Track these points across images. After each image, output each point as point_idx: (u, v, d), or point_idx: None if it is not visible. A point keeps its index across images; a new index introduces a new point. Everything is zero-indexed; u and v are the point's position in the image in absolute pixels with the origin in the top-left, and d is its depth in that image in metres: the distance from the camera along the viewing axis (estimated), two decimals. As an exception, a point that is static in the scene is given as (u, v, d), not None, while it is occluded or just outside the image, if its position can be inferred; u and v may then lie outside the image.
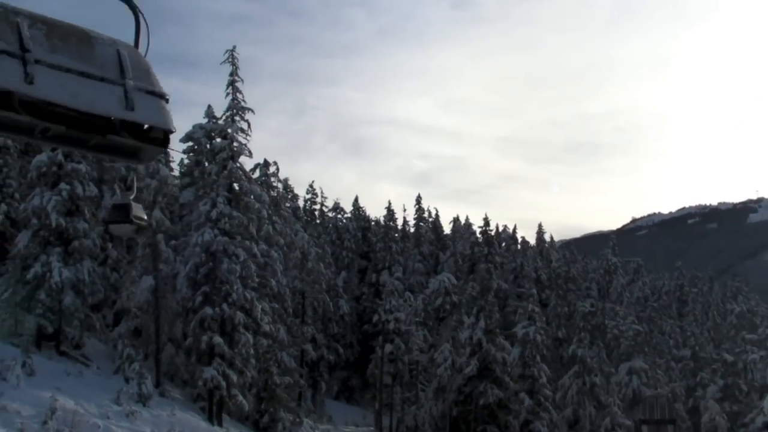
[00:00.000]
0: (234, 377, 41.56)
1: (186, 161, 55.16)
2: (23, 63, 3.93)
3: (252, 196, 45.03)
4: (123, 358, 40.22)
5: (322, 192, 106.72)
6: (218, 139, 55.36)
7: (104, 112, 4.20)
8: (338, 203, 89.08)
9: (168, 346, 45.76)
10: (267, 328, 46.39)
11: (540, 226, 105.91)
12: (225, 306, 42.88)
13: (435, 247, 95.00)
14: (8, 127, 4.05)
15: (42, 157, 40.70)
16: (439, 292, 69.94)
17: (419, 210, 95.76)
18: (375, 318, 64.42)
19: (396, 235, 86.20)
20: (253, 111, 44.97)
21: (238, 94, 45.07)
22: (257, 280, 45.36)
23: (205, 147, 54.29)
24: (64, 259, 40.20)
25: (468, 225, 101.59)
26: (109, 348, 44.95)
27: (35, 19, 4.14)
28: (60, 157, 40.75)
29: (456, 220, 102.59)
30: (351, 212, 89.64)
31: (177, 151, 55.08)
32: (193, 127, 53.51)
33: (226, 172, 44.44)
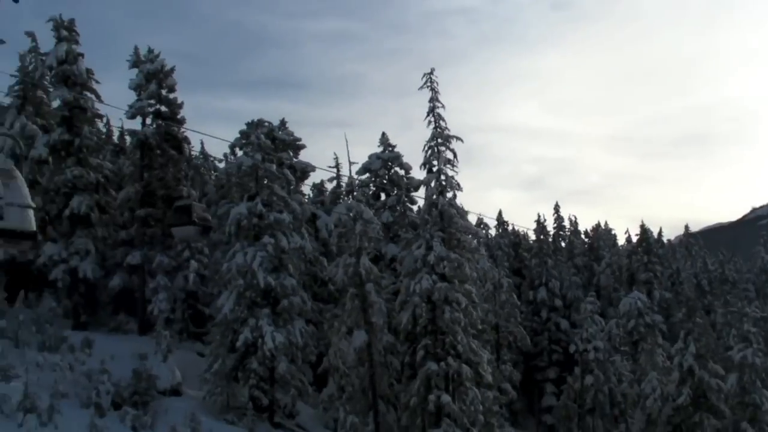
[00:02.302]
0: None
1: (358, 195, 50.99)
2: None
3: (469, 235, 39.78)
4: (346, 428, 35.69)
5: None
6: (397, 169, 50.96)
7: None
8: (482, 218, 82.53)
9: (379, 405, 41.10)
10: (490, 378, 41.13)
11: (687, 227, 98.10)
12: (450, 360, 37.83)
13: (588, 258, 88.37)
14: None
15: (240, 209, 36.68)
16: (631, 314, 63.67)
17: (558, 218, 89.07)
18: (572, 348, 58.42)
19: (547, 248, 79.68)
20: (461, 140, 39.72)
21: (441, 121, 39.92)
22: (480, 327, 40.16)
23: (384, 178, 49.94)
24: (275, 321, 35.99)
25: (608, 230, 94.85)
26: (318, 412, 40.69)
27: None
28: (260, 207, 36.64)
29: (598, 226, 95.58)
30: (495, 227, 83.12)
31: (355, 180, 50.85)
32: (369, 157, 49.43)
33: (436, 210, 39.35)
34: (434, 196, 40.08)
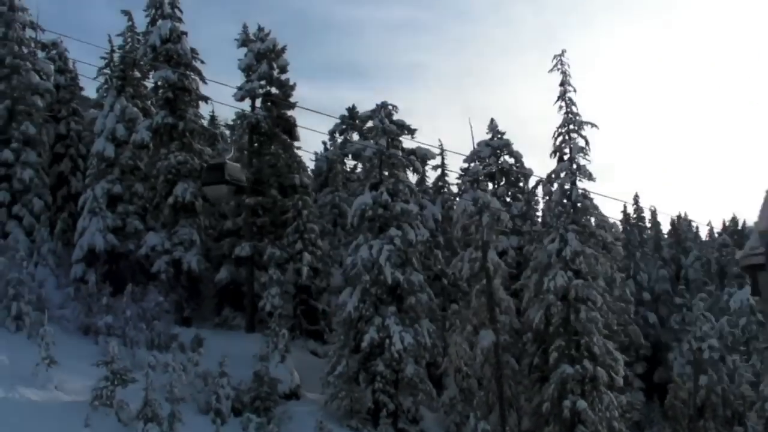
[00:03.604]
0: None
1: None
2: None
3: (604, 228, 36.65)
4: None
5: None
6: (506, 157, 47.99)
7: None
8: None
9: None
10: (621, 381, 38.12)
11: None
12: (586, 362, 34.88)
13: (675, 250, 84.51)
14: None
15: (365, 199, 33.97)
16: (743, 311, 60.06)
17: (638, 209, 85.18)
18: (685, 347, 55.20)
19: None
20: (596, 126, 36.60)
21: (572, 106, 36.84)
22: (616, 328, 37.14)
23: (495, 167, 47.03)
24: (401, 320, 33.26)
25: (687, 221, 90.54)
26: (439, 415, 37.89)
27: None
28: (385, 196, 33.86)
29: (679, 218, 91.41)
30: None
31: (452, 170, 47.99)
32: (478, 144, 46.37)
33: (568, 202, 36.33)
34: (566, 186, 37.10)
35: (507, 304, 36.44)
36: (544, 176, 43.35)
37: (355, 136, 48.85)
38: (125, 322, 33.68)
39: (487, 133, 47.25)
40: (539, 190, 46.77)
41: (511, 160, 47.58)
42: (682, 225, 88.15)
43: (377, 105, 35.30)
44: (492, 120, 47.96)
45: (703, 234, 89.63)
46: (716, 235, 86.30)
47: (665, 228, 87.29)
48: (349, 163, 51.52)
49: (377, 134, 35.00)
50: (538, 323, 35.68)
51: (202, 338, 34.71)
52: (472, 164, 47.37)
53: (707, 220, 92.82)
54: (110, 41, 44.71)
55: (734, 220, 76.72)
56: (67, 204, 42.94)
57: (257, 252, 37.86)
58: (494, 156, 46.98)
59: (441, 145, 49.95)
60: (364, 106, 47.44)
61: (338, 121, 48.26)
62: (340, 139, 49.27)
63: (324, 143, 49.93)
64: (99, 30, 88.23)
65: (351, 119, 47.65)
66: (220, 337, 36.45)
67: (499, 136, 47.43)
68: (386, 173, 34.81)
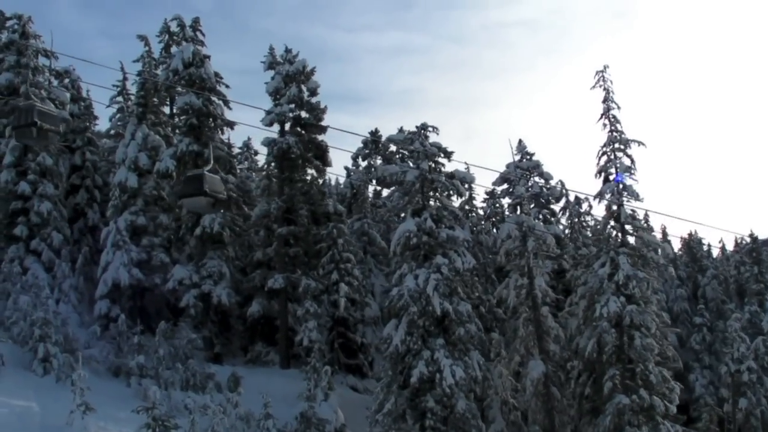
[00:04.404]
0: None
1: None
2: None
3: (658, 250, 35.07)
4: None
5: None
6: (536, 178, 46.59)
7: None
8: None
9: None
10: (675, 410, 36.42)
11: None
12: (643, 391, 33.18)
13: (691, 269, 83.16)
14: None
15: (408, 225, 32.23)
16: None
17: (648, 228, 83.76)
18: (722, 369, 53.61)
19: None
20: (643, 144, 35.09)
21: (617, 124, 35.34)
22: (669, 354, 35.48)
23: (524, 189, 45.57)
24: (452, 353, 31.53)
25: (698, 240, 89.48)
26: (485, 452, 36.05)
27: None
28: (429, 222, 32.20)
29: (690, 236, 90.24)
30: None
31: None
32: (507, 166, 44.87)
33: (616, 224, 34.72)
34: (614, 208, 35.51)
35: (556, 333, 34.73)
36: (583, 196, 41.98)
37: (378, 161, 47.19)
38: (158, 362, 31.80)
39: (515, 154, 45.77)
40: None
41: (541, 182, 46.16)
42: (694, 243, 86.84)
43: (417, 127, 33.61)
44: (520, 141, 46.66)
45: (715, 251, 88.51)
46: (728, 251, 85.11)
47: (675, 246, 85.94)
48: (370, 188, 49.94)
49: (419, 157, 33.29)
50: (591, 351, 33.95)
51: (239, 377, 32.93)
52: (502, 187, 46.09)
53: (719, 237, 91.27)
54: (122, 68, 43.16)
55: (753, 237, 75.10)
56: (84, 237, 41.17)
57: (290, 284, 36.06)
58: (524, 178, 45.50)
59: (467, 166, 48.43)
60: (361, 130, 45.89)
61: (361, 145, 46.65)
62: (363, 164, 47.60)
63: (347, 168, 48.26)
64: (102, 60, 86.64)
65: (374, 143, 46.04)
66: (255, 375, 34.65)
67: (528, 157, 46.00)
68: (430, 199, 33.13)
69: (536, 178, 45.82)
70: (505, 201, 46.39)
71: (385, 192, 47.02)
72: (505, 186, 45.98)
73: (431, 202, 33.24)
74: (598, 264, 34.53)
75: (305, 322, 33.98)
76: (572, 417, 36.96)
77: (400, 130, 47.21)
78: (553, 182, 46.47)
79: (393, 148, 49.49)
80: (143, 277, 36.03)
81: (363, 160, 48.02)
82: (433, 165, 33.42)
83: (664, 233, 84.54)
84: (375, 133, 47.24)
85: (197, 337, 33.64)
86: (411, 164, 34.06)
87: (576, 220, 44.18)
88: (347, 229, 37.28)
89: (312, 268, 36.54)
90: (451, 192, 33.39)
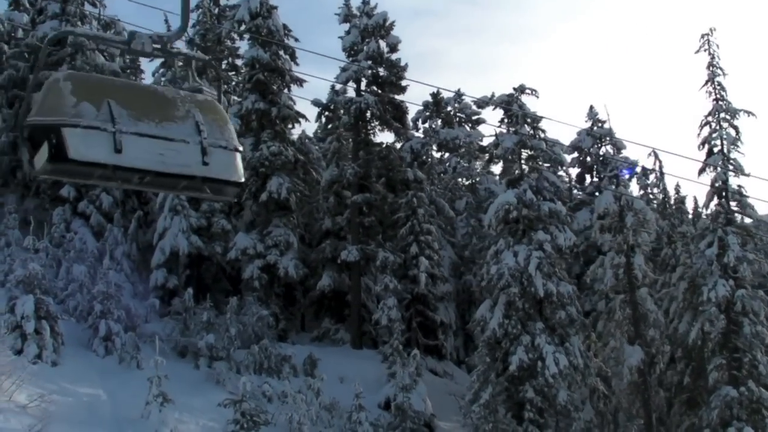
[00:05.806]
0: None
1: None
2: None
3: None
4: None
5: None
6: (608, 147, 43.63)
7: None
8: None
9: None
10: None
11: None
12: (751, 383, 30.64)
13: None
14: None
15: (507, 197, 29.33)
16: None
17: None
18: None
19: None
20: (753, 114, 32.19)
21: (722, 92, 32.43)
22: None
23: (595, 157, 42.75)
24: (552, 338, 28.81)
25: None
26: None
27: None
28: (530, 194, 29.29)
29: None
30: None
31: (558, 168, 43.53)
32: (578, 134, 41.96)
33: (725, 200, 31.88)
34: (718, 183, 32.70)
35: (655, 317, 32.03)
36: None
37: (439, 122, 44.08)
38: (229, 341, 28.92)
39: (586, 121, 42.77)
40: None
41: (613, 151, 43.15)
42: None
43: (514, 88, 30.53)
44: (591, 107, 43.45)
45: None
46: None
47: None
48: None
49: (516, 122, 30.26)
50: (694, 339, 31.33)
51: (315, 359, 30.19)
52: (573, 155, 43.21)
53: None
54: (166, 20, 39.70)
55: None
56: (130, 199, 38.06)
57: (364, 256, 33.15)
58: (596, 146, 42.53)
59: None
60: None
61: (421, 107, 43.49)
62: (421, 128, 44.46)
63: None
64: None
65: (435, 105, 42.96)
66: (328, 355, 31.80)
67: (600, 124, 42.94)
68: (526, 168, 30.20)
69: (608, 147, 42.78)
70: (573, 171, 43.51)
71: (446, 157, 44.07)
72: (575, 155, 43.16)
73: (530, 171, 30.33)
74: (705, 243, 31.79)
75: (384, 298, 31.12)
76: (658, 407, 34.54)
77: (458, 93, 44.32)
78: (624, 152, 43.53)
79: (450, 110, 46.48)
80: (203, 246, 33.05)
81: (423, 123, 44.92)
82: (531, 132, 30.52)
83: (696, 207, 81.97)
84: (436, 95, 43.98)
85: (267, 314, 30.75)
86: (504, 130, 31.09)
87: (661, 193, 41.28)
88: (427, 198, 34.20)
89: (388, 239, 33.61)
90: (549, 161, 30.53)
